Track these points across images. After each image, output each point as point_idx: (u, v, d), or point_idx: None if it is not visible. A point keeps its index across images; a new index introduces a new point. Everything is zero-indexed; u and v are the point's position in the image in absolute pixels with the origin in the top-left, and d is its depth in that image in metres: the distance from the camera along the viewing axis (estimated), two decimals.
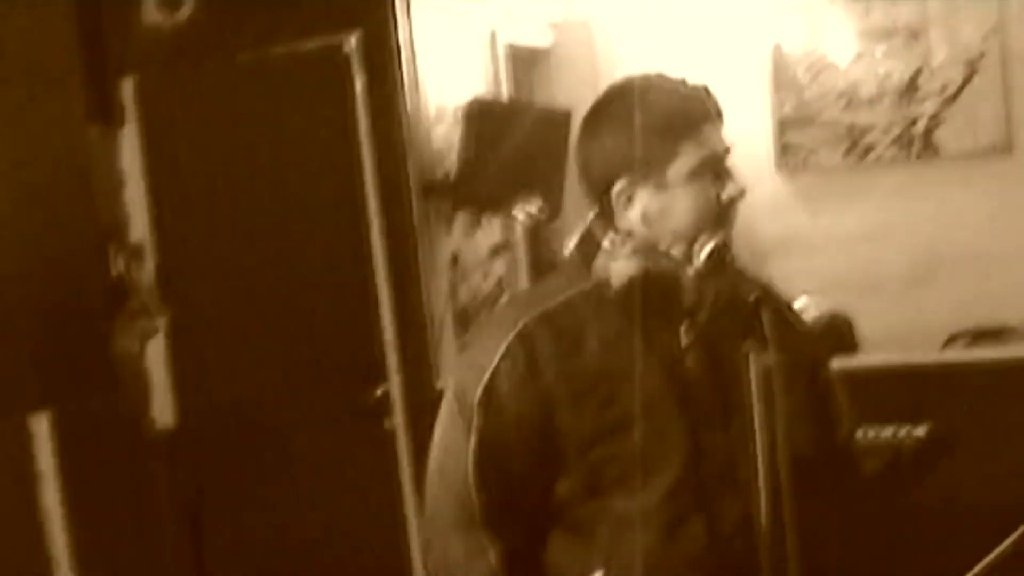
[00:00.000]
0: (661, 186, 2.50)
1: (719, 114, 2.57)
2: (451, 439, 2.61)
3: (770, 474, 2.32)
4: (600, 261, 2.56)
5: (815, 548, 2.50)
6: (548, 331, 2.55)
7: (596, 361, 2.53)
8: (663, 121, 2.49)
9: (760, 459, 2.33)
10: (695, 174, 2.49)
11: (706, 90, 2.57)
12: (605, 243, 2.56)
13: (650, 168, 2.49)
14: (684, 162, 2.49)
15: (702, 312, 2.54)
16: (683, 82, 2.57)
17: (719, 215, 2.52)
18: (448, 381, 2.72)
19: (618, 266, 2.53)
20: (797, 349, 2.56)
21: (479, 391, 2.55)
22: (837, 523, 2.82)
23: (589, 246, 2.60)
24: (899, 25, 6.25)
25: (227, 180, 5.52)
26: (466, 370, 2.63)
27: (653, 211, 2.52)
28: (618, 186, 2.52)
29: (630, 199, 2.53)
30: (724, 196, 2.51)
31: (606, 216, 2.57)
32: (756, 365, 2.33)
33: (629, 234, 2.54)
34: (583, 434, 2.51)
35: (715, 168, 2.52)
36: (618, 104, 2.55)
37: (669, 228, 2.51)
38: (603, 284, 2.54)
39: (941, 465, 4.43)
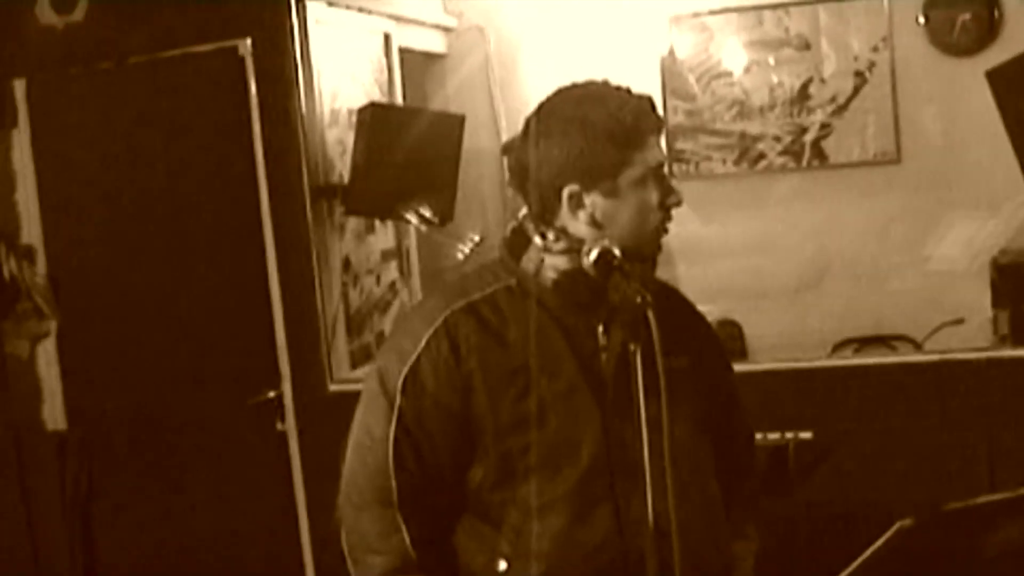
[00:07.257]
0: (611, 192, 2.58)
1: (661, 126, 2.65)
2: (371, 421, 2.69)
3: (655, 469, 2.39)
4: (531, 256, 2.66)
5: (699, 543, 2.61)
6: (472, 321, 2.65)
7: (516, 353, 2.62)
8: (617, 129, 2.55)
9: (647, 455, 2.39)
10: (642, 181, 2.57)
11: (650, 101, 2.63)
12: (537, 240, 2.63)
13: (602, 174, 2.57)
14: (634, 170, 2.56)
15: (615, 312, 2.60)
16: (628, 91, 2.63)
17: (662, 220, 2.62)
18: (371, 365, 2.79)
19: (553, 261, 2.63)
20: (690, 352, 2.71)
21: (403, 375, 2.64)
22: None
23: (518, 243, 2.68)
24: (791, 35, 6.33)
25: (120, 183, 5.49)
26: (390, 354, 2.72)
27: (602, 215, 2.59)
28: (568, 190, 2.59)
29: (580, 203, 2.59)
30: (668, 203, 2.61)
31: (541, 215, 2.64)
32: (640, 366, 2.40)
33: (564, 232, 2.62)
34: (499, 423, 2.61)
35: (658, 176, 2.60)
36: (568, 109, 2.61)
37: (616, 231, 2.58)
38: (529, 279, 2.65)
39: (826, 467, 4.50)
